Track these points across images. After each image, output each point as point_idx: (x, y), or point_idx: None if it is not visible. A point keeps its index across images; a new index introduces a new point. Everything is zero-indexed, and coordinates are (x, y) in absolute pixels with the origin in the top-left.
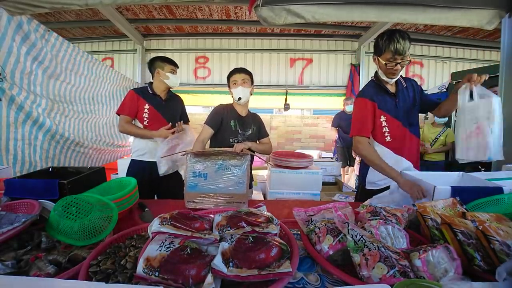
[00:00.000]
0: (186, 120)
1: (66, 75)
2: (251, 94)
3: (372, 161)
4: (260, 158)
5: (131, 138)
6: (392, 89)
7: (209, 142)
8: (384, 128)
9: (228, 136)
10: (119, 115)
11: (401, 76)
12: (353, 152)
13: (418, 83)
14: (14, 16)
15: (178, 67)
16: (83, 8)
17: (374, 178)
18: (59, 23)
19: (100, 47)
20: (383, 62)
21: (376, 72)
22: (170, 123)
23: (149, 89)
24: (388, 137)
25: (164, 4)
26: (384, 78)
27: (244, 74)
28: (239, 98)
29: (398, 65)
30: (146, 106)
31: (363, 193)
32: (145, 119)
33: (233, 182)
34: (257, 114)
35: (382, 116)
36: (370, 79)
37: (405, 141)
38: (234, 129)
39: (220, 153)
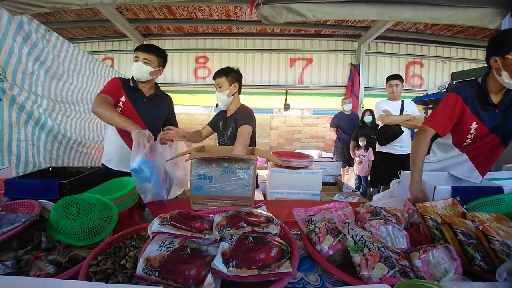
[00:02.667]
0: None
1: (68, 75)
2: (237, 93)
3: (414, 154)
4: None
5: None
6: (496, 98)
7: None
8: (470, 135)
9: (218, 136)
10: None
11: None
12: (351, 152)
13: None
14: (14, 15)
15: (147, 52)
16: (83, 7)
17: None
18: (59, 23)
19: (100, 47)
20: None
21: (486, 77)
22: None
23: (131, 81)
24: (468, 142)
25: (164, 4)
26: (508, 80)
27: (218, 78)
28: (217, 105)
29: None
30: (123, 98)
31: None
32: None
33: (238, 185)
34: (245, 112)
35: (474, 123)
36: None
37: (488, 150)
38: (222, 129)
39: (225, 158)
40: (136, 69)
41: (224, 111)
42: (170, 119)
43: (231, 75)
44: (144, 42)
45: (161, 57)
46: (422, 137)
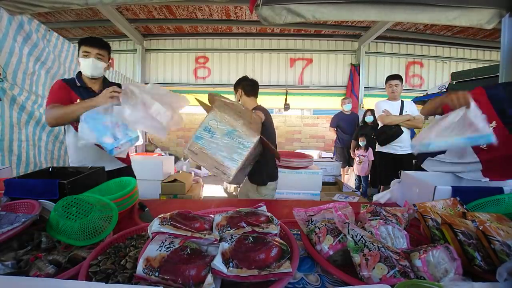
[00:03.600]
0: None
1: (69, 75)
2: (240, 99)
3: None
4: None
5: None
6: None
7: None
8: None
9: None
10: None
11: None
12: (351, 152)
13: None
14: (14, 15)
15: (100, 47)
16: (83, 7)
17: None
18: (59, 23)
19: None
20: None
21: None
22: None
23: (76, 80)
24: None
25: (164, 4)
26: None
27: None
28: None
29: None
30: (78, 101)
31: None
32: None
33: (231, 152)
34: (258, 108)
35: (494, 122)
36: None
37: (505, 158)
38: None
39: (244, 113)
40: (89, 66)
41: None
42: None
43: (235, 87)
44: (144, 42)
45: (109, 50)
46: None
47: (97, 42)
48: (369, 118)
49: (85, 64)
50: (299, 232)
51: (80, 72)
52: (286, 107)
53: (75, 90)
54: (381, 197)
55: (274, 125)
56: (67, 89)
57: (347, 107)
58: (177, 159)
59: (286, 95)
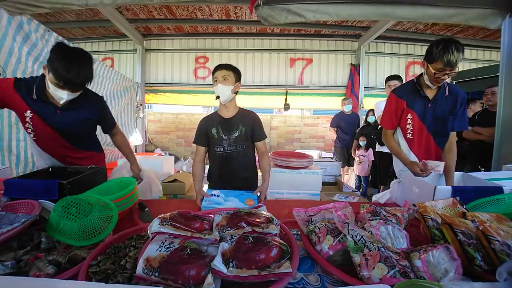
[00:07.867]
0: (108, 127)
1: None
2: (236, 93)
3: (391, 150)
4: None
5: (131, 138)
6: (430, 92)
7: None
8: (408, 125)
9: (213, 146)
10: None
11: (448, 84)
12: (352, 152)
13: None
14: (14, 16)
15: (72, 87)
16: (83, 8)
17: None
18: (59, 23)
19: (100, 47)
20: (432, 71)
21: (421, 75)
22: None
23: (34, 92)
24: (410, 134)
25: (164, 4)
26: (428, 83)
27: (225, 71)
28: (217, 97)
29: (446, 75)
30: (28, 113)
31: None
32: (29, 130)
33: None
34: (253, 112)
35: (409, 114)
36: (412, 78)
37: (425, 145)
38: (218, 137)
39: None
40: (60, 98)
41: (215, 118)
42: (101, 121)
43: (237, 73)
44: (144, 42)
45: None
46: (385, 139)
47: (74, 88)
48: (371, 118)
49: (55, 94)
50: (299, 232)
51: (44, 82)
52: (286, 107)
53: (28, 101)
54: (380, 197)
55: (274, 125)
56: (8, 87)
57: (347, 108)
58: (177, 159)
59: (286, 95)
